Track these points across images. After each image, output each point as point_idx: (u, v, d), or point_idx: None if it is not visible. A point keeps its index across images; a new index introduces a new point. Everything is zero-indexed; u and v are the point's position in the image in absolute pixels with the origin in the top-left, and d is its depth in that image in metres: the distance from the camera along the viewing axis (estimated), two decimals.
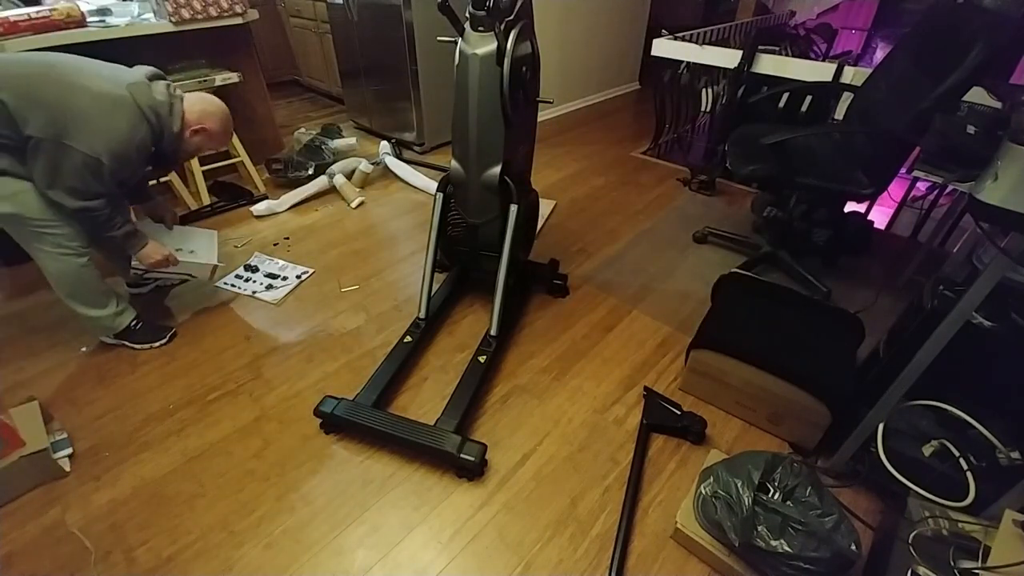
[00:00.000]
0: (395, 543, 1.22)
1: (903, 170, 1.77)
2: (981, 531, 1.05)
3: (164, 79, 1.56)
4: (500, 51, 1.39)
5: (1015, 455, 1.16)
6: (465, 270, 2.03)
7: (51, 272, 1.54)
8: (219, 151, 1.78)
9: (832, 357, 1.43)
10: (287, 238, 2.37)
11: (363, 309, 1.95)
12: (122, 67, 1.50)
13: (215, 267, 1.86)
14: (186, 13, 2.26)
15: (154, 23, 2.25)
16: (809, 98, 2.40)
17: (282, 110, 4.07)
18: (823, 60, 3.45)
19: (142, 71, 1.52)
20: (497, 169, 1.60)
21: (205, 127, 1.61)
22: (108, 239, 1.57)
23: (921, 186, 2.53)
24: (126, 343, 1.74)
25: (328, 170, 2.75)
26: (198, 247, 1.84)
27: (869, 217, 2.36)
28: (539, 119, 2.11)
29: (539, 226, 2.31)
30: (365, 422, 1.40)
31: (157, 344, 1.77)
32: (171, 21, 2.24)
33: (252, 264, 2.17)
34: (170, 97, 1.52)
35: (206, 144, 1.68)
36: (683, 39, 2.84)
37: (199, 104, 1.61)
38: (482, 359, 1.59)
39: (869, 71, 1.96)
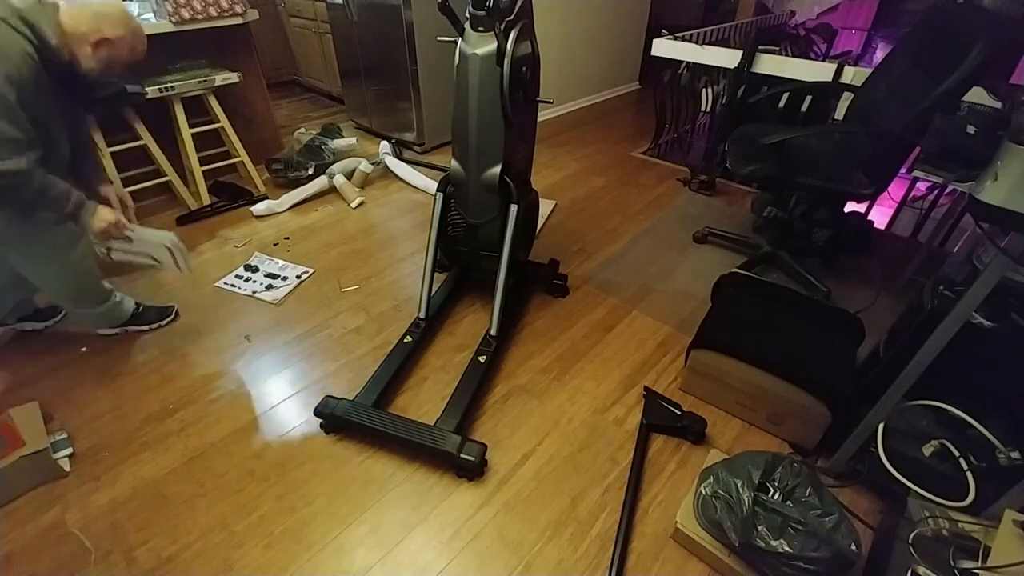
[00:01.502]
0: (395, 543, 1.22)
1: (903, 170, 1.77)
2: (981, 531, 1.05)
3: None
4: (500, 51, 1.39)
5: (1015, 455, 1.16)
6: (465, 270, 2.03)
7: (51, 280, 1.50)
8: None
9: (832, 357, 1.43)
10: (287, 238, 2.36)
11: (363, 309, 1.95)
12: None
13: (175, 253, 1.60)
14: (186, 13, 2.26)
15: (154, 23, 2.25)
16: (809, 98, 2.40)
17: (282, 110, 4.07)
18: (823, 60, 3.45)
19: None
20: (497, 169, 1.60)
21: (105, 36, 1.27)
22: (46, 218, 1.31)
23: (921, 186, 2.53)
24: (130, 328, 1.77)
25: (328, 170, 2.75)
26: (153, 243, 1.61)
27: (869, 217, 2.36)
28: (539, 119, 2.11)
29: (539, 226, 2.31)
30: (365, 422, 1.40)
31: (165, 323, 1.80)
32: (171, 21, 2.24)
33: (252, 264, 2.17)
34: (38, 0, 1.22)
35: (116, 58, 1.33)
36: (683, 39, 2.84)
37: (88, 8, 1.26)
38: (482, 359, 1.59)
39: (869, 71, 1.96)
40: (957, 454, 1.21)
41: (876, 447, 1.27)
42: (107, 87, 2.04)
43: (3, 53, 1.14)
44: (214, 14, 2.35)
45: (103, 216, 1.40)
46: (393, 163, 2.94)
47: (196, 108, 2.46)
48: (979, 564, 0.98)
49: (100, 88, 1.47)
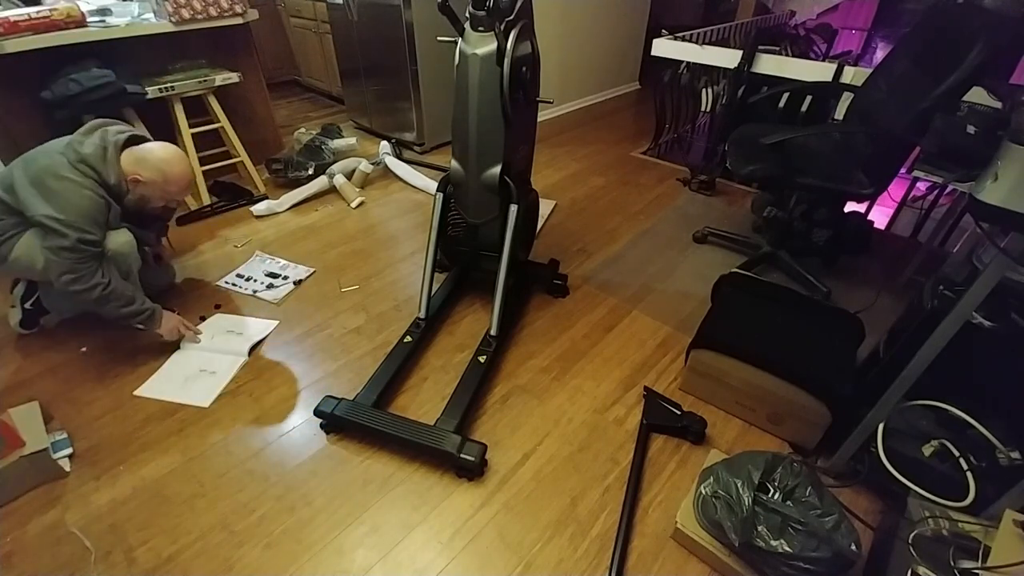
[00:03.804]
0: (395, 543, 1.22)
1: (903, 170, 1.77)
2: (981, 531, 1.05)
3: (104, 127, 1.56)
4: (500, 51, 1.39)
5: (1015, 455, 1.16)
6: (465, 270, 2.03)
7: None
8: (174, 201, 1.74)
9: (832, 357, 1.43)
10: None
11: (363, 309, 1.95)
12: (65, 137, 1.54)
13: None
14: (186, 13, 2.26)
15: (154, 23, 2.25)
16: (809, 98, 2.40)
17: (282, 110, 4.07)
18: (823, 60, 3.45)
19: (83, 127, 1.54)
20: (497, 169, 1.60)
21: (138, 176, 1.55)
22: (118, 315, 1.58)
23: (921, 186, 2.53)
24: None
25: (328, 170, 2.75)
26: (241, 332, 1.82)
27: (869, 217, 2.36)
28: (539, 119, 2.11)
29: (539, 226, 2.31)
30: (365, 422, 1.40)
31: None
32: (171, 21, 2.24)
33: (254, 263, 2.17)
34: (102, 146, 1.50)
35: (147, 195, 1.60)
36: (683, 39, 2.84)
37: (137, 152, 1.56)
38: (482, 359, 1.59)
39: (869, 71, 1.96)
40: (957, 454, 1.21)
41: (876, 447, 1.27)
42: (107, 86, 2.05)
43: (73, 202, 1.44)
44: (214, 14, 2.35)
45: (169, 329, 1.69)
46: (393, 163, 2.94)
47: (196, 108, 2.46)
48: (979, 564, 0.98)
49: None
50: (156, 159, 1.58)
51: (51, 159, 1.46)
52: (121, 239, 1.58)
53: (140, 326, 1.66)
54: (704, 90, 3.14)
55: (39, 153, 1.50)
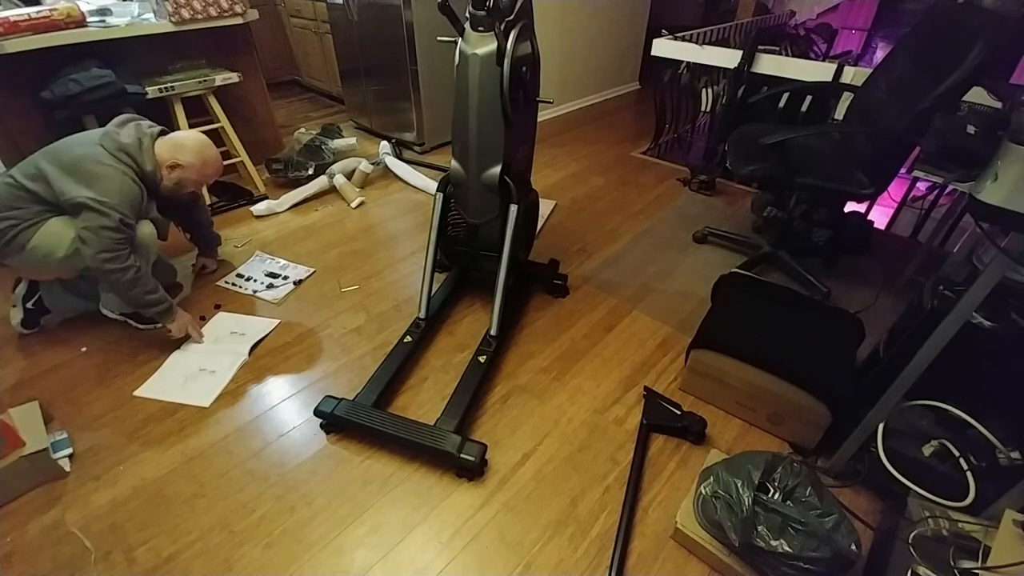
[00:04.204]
0: (395, 543, 1.22)
1: (903, 170, 1.77)
2: (981, 531, 1.05)
3: (136, 120, 1.66)
4: (500, 51, 1.39)
5: (1015, 455, 1.16)
6: (465, 270, 2.03)
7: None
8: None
9: (832, 357, 1.43)
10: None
11: (363, 309, 1.95)
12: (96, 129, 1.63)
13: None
14: (186, 13, 2.26)
15: (154, 23, 2.25)
16: (809, 98, 2.40)
17: (282, 110, 4.07)
18: (823, 60, 3.45)
19: (115, 120, 1.63)
20: (497, 169, 1.60)
21: (177, 161, 1.65)
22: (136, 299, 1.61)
23: (921, 186, 2.53)
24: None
25: (328, 170, 2.75)
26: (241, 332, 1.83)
27: (869, 217, 2.36)
28: (539, 119, 2.11)
29: (539, 226, 2.32)
30: (365, 422, 1.40)
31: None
32: (171, 21, 2.24)
33: (253, 263, 2.17)
34: (138, 136, 1.59)
35: (185, 179, 1.69)
36: (683, 39, 2.84)
37: (173, 140, 1.67)
38: (482, 359, 1.59)
39: (869, 71, 1.96)
40: (957, 454, 1.21)
41: (876, 447, 1.27)
42: (107, 86, 2.06)
43: (115, 187, 1.51)
44: (214, 14, 2.35)
45: (180, 325, 1.72)
46: (393, 163, 2.94)
47: (196, 108, 2.46)
48: (979, 564, 0.98)
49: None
50: (193, 143, 1.69)
51: (89, 149, 1.52)
52: (146, 230, 1.64)
53: (155, 320, 1.68)
54: (704, 90, 3.14)
55: (69, 144, 1.55)
